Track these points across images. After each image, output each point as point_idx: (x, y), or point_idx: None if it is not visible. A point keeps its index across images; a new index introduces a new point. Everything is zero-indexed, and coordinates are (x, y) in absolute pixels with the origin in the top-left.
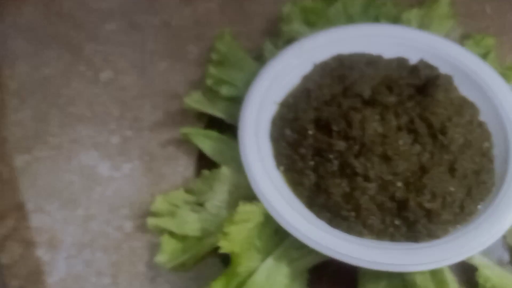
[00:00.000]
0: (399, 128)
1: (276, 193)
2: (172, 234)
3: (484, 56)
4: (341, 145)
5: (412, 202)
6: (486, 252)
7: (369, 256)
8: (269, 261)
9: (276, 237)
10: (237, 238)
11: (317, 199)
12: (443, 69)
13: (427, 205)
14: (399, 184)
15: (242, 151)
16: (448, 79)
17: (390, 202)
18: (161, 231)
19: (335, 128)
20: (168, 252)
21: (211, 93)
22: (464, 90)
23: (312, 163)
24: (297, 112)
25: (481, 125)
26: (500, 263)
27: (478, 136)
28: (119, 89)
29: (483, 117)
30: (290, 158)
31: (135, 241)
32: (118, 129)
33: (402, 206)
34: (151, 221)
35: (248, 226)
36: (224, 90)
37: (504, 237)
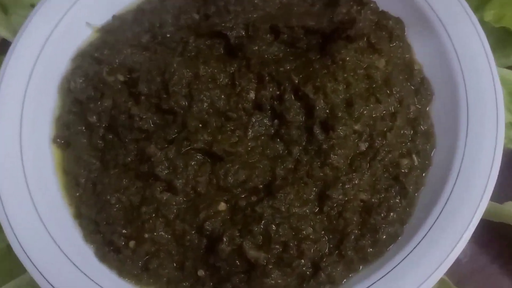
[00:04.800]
0: (259, 107)
1: (24, 188)
2: None
3: None
4: (147, 121)
5: (228, 243)
6: None
7: None
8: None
9: None
10: None
11: (89, 208)
12: (400, 10)
13: (252, 253)
14: (222, 206)
15: None
16: (394, 27)
17: (199, 236)
18: None
19: (142, 88)
20: None
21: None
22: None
23: (101, 143)
24: (111, 48)
25: (417, 122)
26: None
27: (396, 143)
28: None
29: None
30: (74, 126)
31: None
32: None
33: (212, 246)
34: None
35: None
36: None
37: None
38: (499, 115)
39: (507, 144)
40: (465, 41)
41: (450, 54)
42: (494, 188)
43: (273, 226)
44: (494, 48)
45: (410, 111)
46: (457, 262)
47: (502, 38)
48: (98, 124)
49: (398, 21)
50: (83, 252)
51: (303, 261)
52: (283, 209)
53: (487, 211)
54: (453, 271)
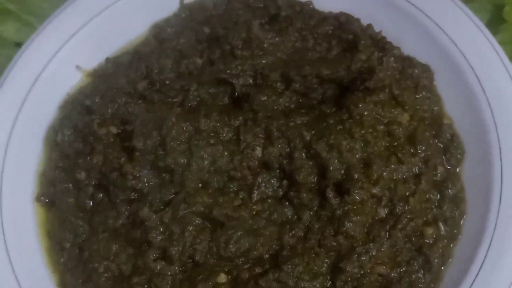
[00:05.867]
0: (266, 166)
1: (3, 252)
2: None
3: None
4: (141, 180)
5: None
6: None
7: None
8: None
9: None
10: None
11: (75, 276)
12: (428, 55)
13: None
14: (222, 278)
15: None
16: (420, 75)
17: None
18: None
19: (137, 144)
20: None
21: None
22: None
23: (89, 203)
24: (103, 96)
25: (445, 185)
26: None
27: (420, 209)
28: None
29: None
30: (60, 183)
31: None
32: None
33: None
34: None
35: None
36: (10, 30)
37: None
38: None
39: None
40: (500, 94)
41: (483, 108)
42: None
43: None
44: None
45: (437, 173)
46: None
47: None
48: (87, 181)
49: (426, 68)
50: None
51: None
52: (291, 283)
53: None
54: None
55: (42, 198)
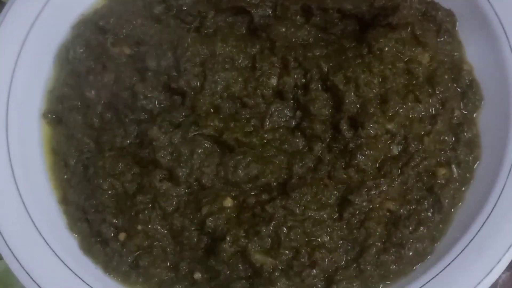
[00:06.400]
0: (280, 95)
1: (6, 163)
2: None
3: None
4: (152, 100)
5: (231, 243)
6: None
7: None
8: None
9: None
10: None
11: (77, 192)
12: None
13: (257, 257)
14: (228, 202)
15: None
16: (443, 19)
17: (198, 234)
18: None
19: (150, 63)
20: None
21: None
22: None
23: (97, 121)
24: (118, 17)
25: (460, 128)
26: None
27: (434, 150)
28: None
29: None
30: (68, 100)
31: None
32: None
33: (213, 247)
34: None
35: None
36: None
37: None
38: None
39: None
40: None
41: (506, 58)
42: None
43: (284, 229)
44: None
45: (453, 116)
46: None
47: None
48: (96, 100)
49: (449, 13)
50: (66, 242)
51: (315, 271)
52: (298, 211)
53: None
54: None
55: (49, 114)
